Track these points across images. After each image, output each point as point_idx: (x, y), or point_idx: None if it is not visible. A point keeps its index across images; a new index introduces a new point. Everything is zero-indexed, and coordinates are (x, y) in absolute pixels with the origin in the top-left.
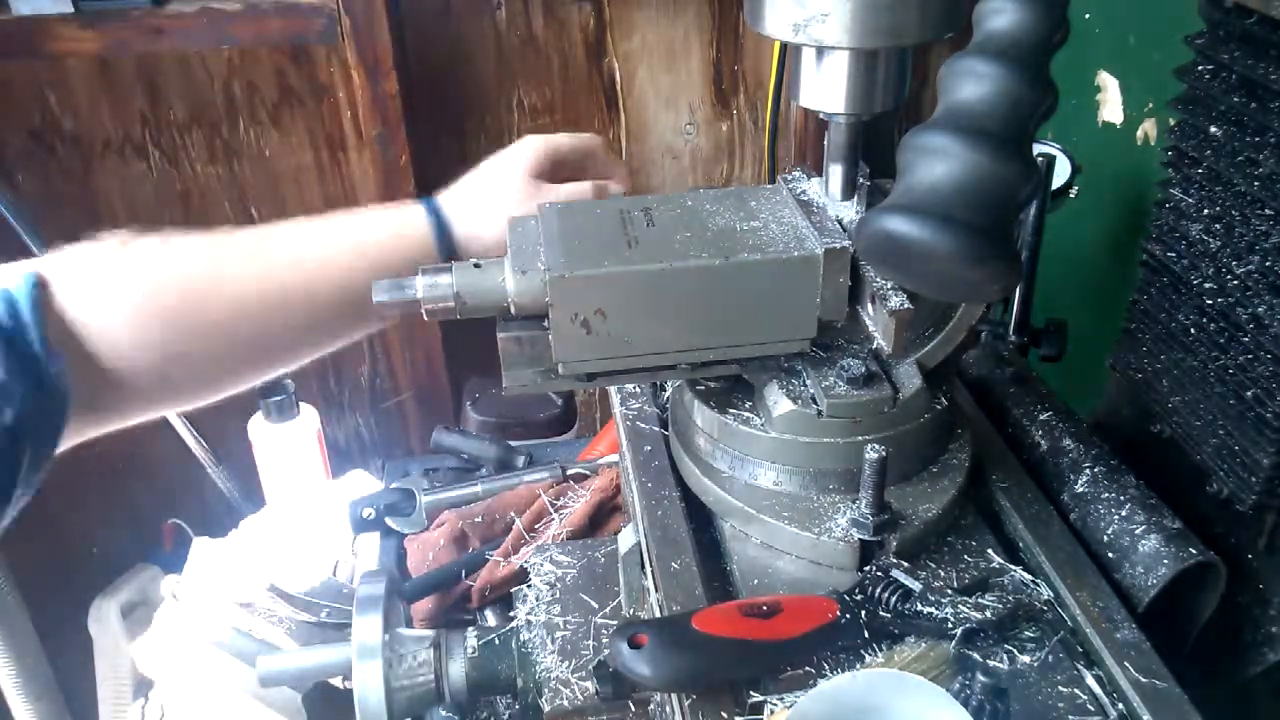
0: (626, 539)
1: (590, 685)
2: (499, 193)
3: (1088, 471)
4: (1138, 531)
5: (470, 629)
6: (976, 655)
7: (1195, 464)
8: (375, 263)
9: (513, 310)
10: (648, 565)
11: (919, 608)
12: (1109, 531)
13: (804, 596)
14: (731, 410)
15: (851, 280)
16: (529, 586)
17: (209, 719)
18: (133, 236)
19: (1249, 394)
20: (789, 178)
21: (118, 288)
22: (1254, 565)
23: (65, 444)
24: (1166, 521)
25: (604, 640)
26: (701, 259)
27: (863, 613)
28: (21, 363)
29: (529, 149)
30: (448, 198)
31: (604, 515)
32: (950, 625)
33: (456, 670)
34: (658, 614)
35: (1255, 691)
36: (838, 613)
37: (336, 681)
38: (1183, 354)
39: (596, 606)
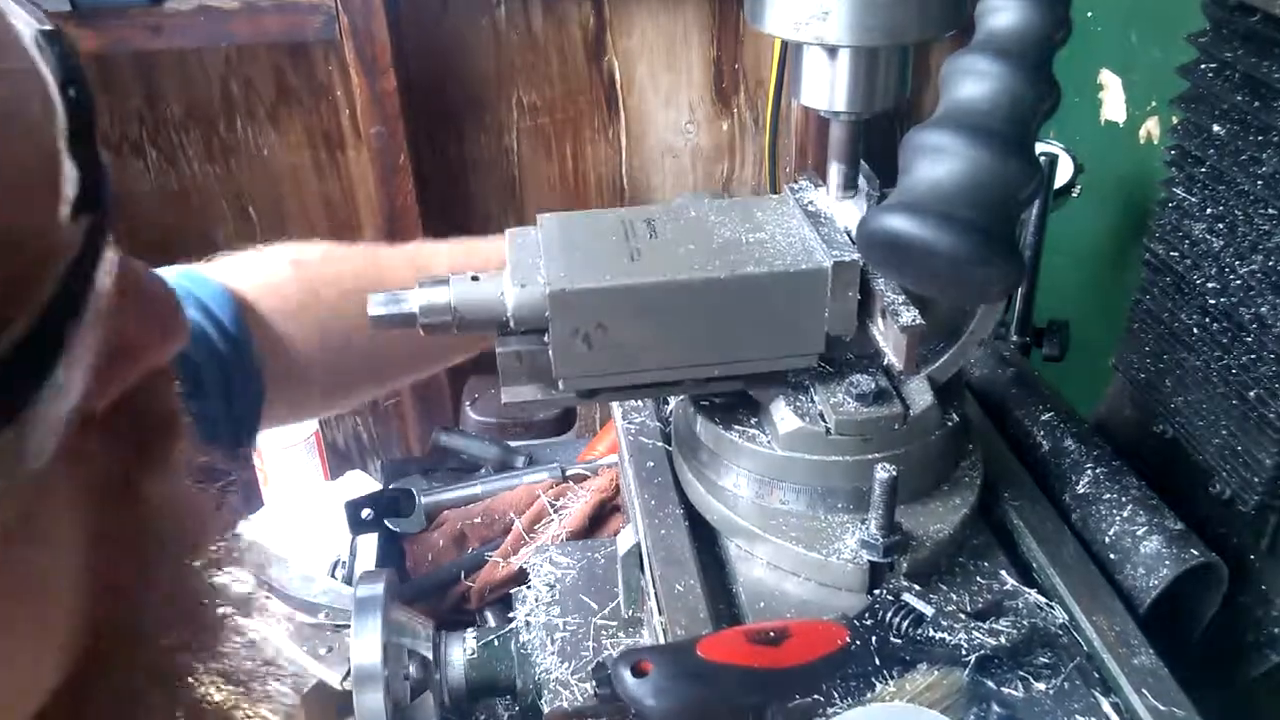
0: (626, 539)
1: (589, 686)
2: None
3: (1089, 472)
4: (1139, 532)
5: (469, 630)
6: (991, 683)
7: (1198, 464)
8: None
9: (511, 324)
10: (651, 587)
11: (931, 633)
12: (1110, 532)
13: (812, 621)
14: (736, 426)
15: (861, 294)
16: (528, 587)
17: None
18: (294, 244)
19: (1252, 394)
20: (796, 187)
21: (289, 286)
22: (1256, 566)
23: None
24: (1168, 522)
25: (604, 641)
26: (706, 272)
27: (873, 639)
28: (235, 349)
29: None
30: None
31: (604, 515)
32: (963, 652)
33: (455, 671)
34: (661, 636)
35: (1257, 693)
36: (847, 639)
37: (335, 682)
38: (1185, 354)
39: (596, 607)
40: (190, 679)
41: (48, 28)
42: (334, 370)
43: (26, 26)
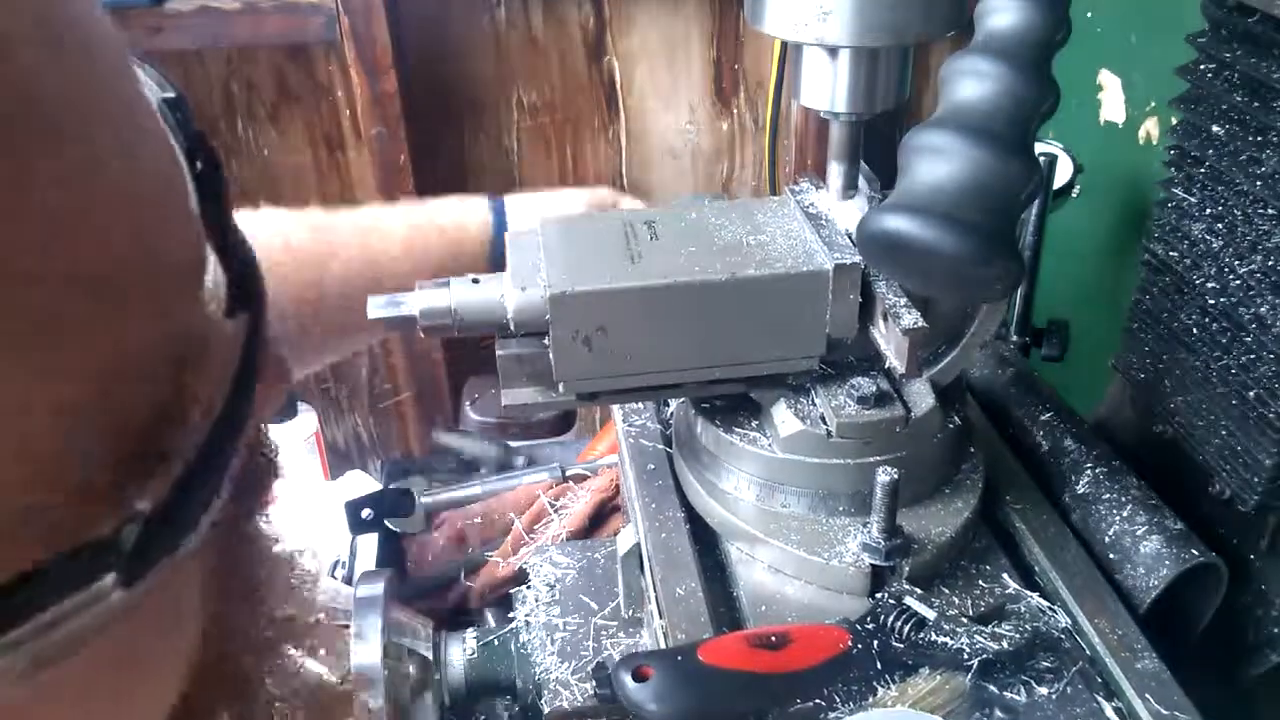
0: (626, 539)
1: (589, 686)
2: (561, 209)
3: (1089, 472)
4: (1139, 532)
5: (469, 630)
6: (993, 688)
7: (1197, 464)
8: (428, 251)
9: (512, 327)
10: (652, 590)
11: (933, 637)
12: (1110, 532)
13: (814, 626)
14: (737, 429)
15: (862, 297)
16: (528, 587)
17: None
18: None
19: (1251, 394)
20: (796, 189)
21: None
22: (1256, 566)
23: None
24: (1168, 522)
25: (604, 641)
26: (707, 274)
27: (875, 643)
28: None
29: (599, 191)
30: (514, 200)
31: (604, 515)
32: (965, 656)
33: (455, 671)
34: (662, 641)
35: (1257, 693)
36: (849, 643)
37: (335, 682)
38: (1185, 354)
39: (596, 607)
40: (271, 707)
41: (170, 95)
42: (303, 332)
43: (151, 94)
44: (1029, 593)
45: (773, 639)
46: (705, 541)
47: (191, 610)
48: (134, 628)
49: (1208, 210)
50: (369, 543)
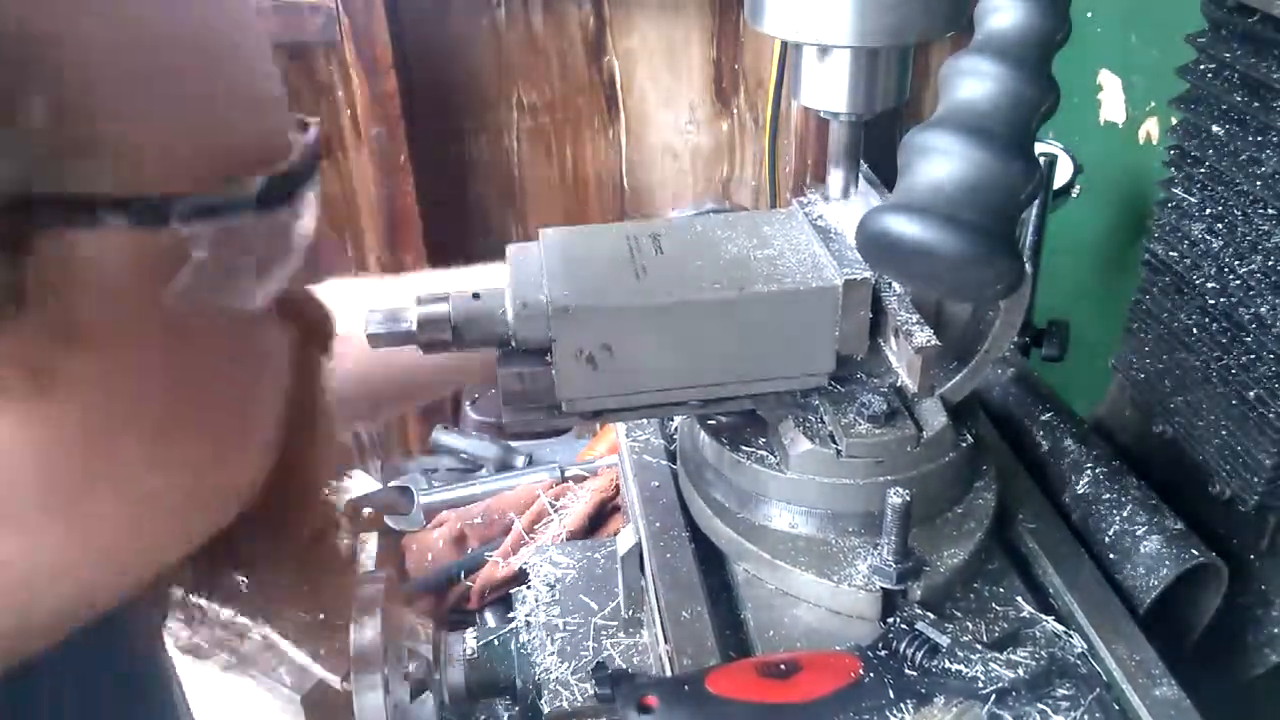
0: (625, 539)
1: (589, 686)
2: None
3: (1089, 472)
4: (1139, 532)
5: (469, 630)
6: (1009, 717)
7: (1197, 464)
8: None
9: (514, 344)
10: (656, 614)
11: (947, 664)
12: (1110, 533)
13: (824, 653)
14: (744, 448)
15: (873, 313)
16: (528, 587)
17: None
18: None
19: (1251, 394)
20: (805, 200)
21: None
22: (1256, 566)
23: None
24: (1168, 522)
25: (604, 641)
26: (714, 291)
27: (887, 670)
28: None
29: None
30: None
31: (604, 515)
32: (981, 684)
33: (455, 672)
34: (667, 666)
35: (1257, 693)
36: (860, 671)
37: (335, 682)
38: (1185, 354)
39: (596, 607)
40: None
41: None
42: (367, 392)
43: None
44: (1044, 616)
45: (782, 667)
46: (711, 562)
47: (281, 378)
48: (245, 350)
49: (1208, 210)
50: (368, 543)
